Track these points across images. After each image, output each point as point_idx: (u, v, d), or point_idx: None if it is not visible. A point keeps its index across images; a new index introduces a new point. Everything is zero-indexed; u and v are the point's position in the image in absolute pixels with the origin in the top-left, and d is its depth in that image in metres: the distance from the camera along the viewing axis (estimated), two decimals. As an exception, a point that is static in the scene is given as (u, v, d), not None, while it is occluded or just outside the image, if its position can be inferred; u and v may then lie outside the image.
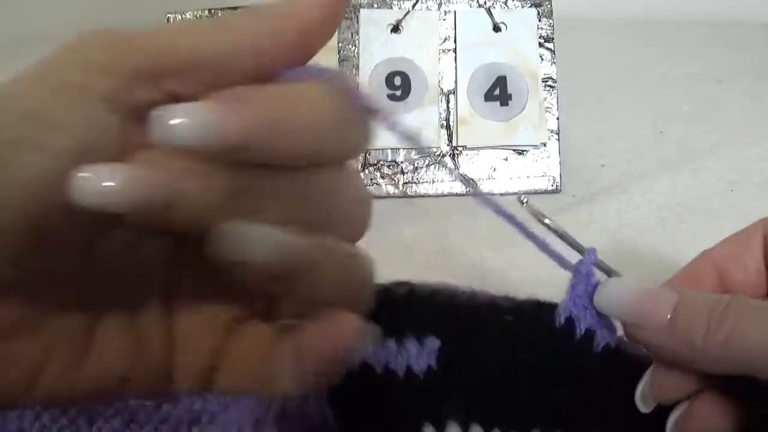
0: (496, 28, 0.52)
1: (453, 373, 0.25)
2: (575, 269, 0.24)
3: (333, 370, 0.19)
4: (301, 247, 0.18)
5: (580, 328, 0.24)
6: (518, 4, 0.53)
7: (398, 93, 0.51)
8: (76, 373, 0.19)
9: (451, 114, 0.52)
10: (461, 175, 0.31)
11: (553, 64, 0.52)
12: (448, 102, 0.52)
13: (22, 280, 0.18)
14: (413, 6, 0.53)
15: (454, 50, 0.52)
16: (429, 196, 0.51)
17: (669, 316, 0.22)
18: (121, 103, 0.18)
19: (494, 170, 0.51)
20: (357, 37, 0.52)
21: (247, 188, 0.18)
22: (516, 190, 0.51)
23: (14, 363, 0.18)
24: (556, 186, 0.51)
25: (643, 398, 0.24)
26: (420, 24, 0.52)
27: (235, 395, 0.26)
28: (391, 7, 0.53)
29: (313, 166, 0.19)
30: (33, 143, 0.16)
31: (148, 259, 0.20)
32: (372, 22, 0.52)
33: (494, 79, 0.51)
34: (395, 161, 0.52)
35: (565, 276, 0.25)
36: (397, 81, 0.51)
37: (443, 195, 0.51)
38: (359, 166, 0.51)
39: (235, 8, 0.54)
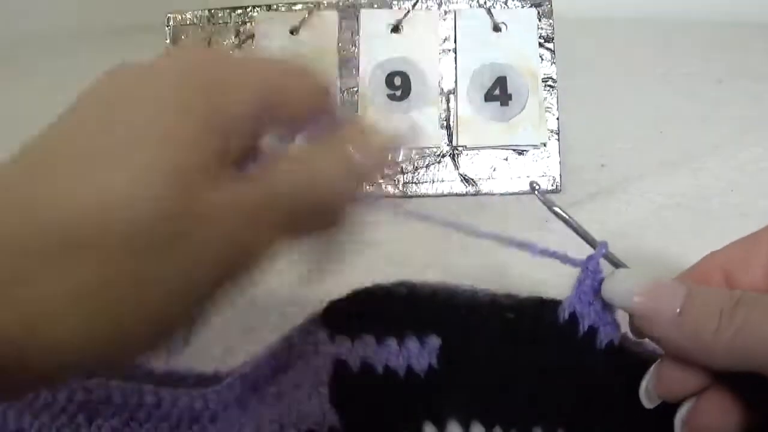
0: (496, 28, 0.52)
1: (454, 372, 0.24)
2: (584, 264, 0.24)
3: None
4: None
5: (584, 325, 0.24)
6: (518, 4, 0.53)
7: (398, 93, 0.51)
8: None
9: (451, 114, 0.52)
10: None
11: (553, 64, 0.52)
12: (448, 102, 0.52)
13: None
14: (413, 6, 0.53)
15: (454, 50, 0.52)
16: (429, 196, 0.51)
17: (678, 310, 0.21)
18: None
19: (494, 170, 0.51)
20: (357, 37, 0.52)
21: None
22: (516, 190, 0.51)
23: None
24: (556, 186, 0.51)
25: (647, 394, 0.23)
26: (420, 24, 0.52)
27: None
28: (391, 7, 0.53)
29: None
30: None
31: None
32: (372, 22, 0.52)
33: (494, 79, 0.51)
34: (395, 161, 0.52)
35: (565, 277, 0.25)
36: (397, 81, 0.51)
37: (443, 195, 0.51)
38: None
39: (234, 8, 0.54)
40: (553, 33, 0.52)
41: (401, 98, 0.51)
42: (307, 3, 0.53)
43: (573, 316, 0.24)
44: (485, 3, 0.53)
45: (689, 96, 0.58)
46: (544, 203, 0.25)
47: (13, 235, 0.17)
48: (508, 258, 0.43)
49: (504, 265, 0.43)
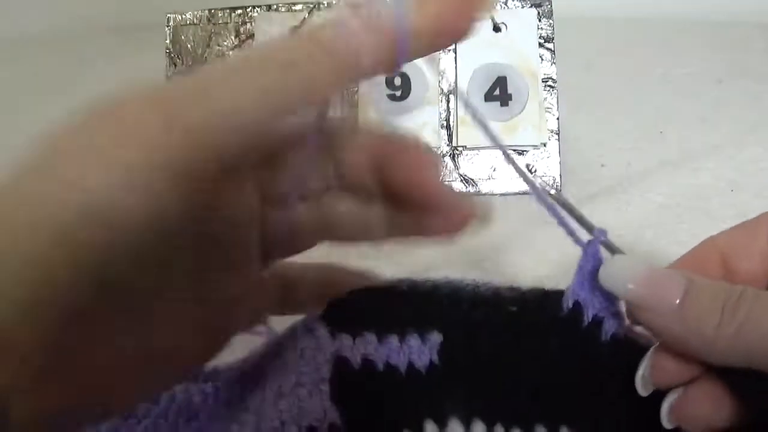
0: (496, 28, 0.52)
1: (455, 368, 0.24)
2: (583, 249, 0.23)
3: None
4: None
5: (588, 315, 0.23)
6: (518, 4, 0.53)
7: (398, 93, 0.51)
8: None
9: (451, 114, 0.52)
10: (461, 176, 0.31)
11: (553, 64, 0.52)
12: (448, 102, 0.52)
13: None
14: (413, 6, 0.53)
15: (454, 50, 0.52)
16: (429, 196, 0.51)
17: (678, 301, 0.21)
18: None
19: (494, 170, 0.51)
20: (357, 37, 0.52)
21: None
22: (516, 191, 0.51)
23: None
24: (556, 186, 0.51)
25: (643, 381, 0.23)
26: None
27: None
28: (391, 7, 0.53)
29: None
30: None
31: None
32: (372, 22, 0.52)
33: (494, 80, 0.51)
34: (395, 161, 0.52)
35: (566, 273, 0.25)
36: (397, 81, 0.51)
37: (443, 195, 0.51)
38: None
39: (234, 8, 0.54)
40: (553, 33, 0.52)
41: (401, 98, 0.51)
42: (307, 3, 0.53)
43: (577, 305, 0.23)
44: (485, 3, 0.53)
45: (689, 96, 0.58)
46: (542, 188, 0.24)
47: None
48: (508, 258, 0.43)
49: (504, 264, 0.43)
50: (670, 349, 0.22)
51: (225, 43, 0.53)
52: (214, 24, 0.54)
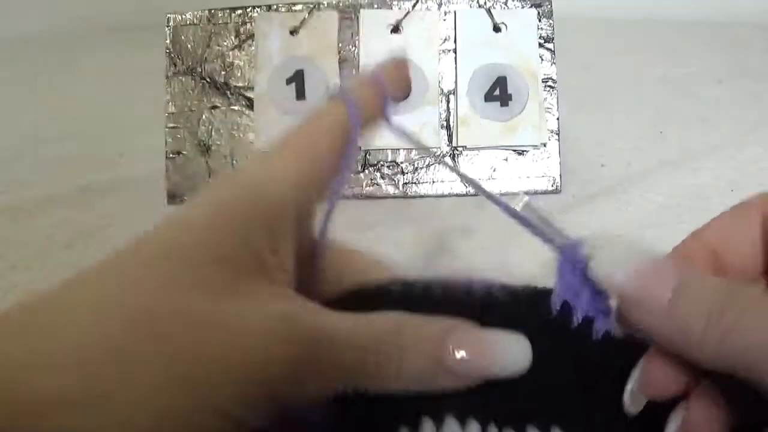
0: (496, 28, 0.52)
1: None
2: (560, 255, 0.23)
3: None
4: None
5: (577, 316, 0.23)
6: (518, 4, 0.53)
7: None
8: None
9: (451, 114, 0.52)
10: (462, 174, 0.31)
11: (553, 64, 0.52)
12: (448, 102, 0.52)
13: None
14: (413, 6, 0.53)
15: (454, 50, 0.52)
16: (429, 196, 0.51)
17: (668, 299, 0.20)
18: None
19: (494, 170, 0.51)
20: (357, 37, 0.52)
21: None
22: (516, 191, 0.51)
23: None
24: (556, 186, 0.51)
25: (633, 397, 0.22)
26: (420, 24, 0.52)
27: None
28: (391, 7, 0.53)
29: None
30: None
31: None
32: (372, 22, 0.52)
33: (494, 80, 0.51)
34: (395, 161, 0.52)
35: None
36: (397, 81, 0.51)
37: (443, 195, 0.51)
38: (359, 167, 0.52)
39: (234, 8, 0.54)
40: (553, 33, 0.52)
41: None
42: (307, 3, 0.53)
43: (565, 306, 0.23)
44: (485, 3, 0.53)
45: (689, 96, 0.58)
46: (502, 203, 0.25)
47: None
48: (507, 258, 0.43)
49: (503, 265, 0.43)
50: (662, 359, 0.22)
51: (225, 43, 0.53)
52: (214, 24, 0.54)
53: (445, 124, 0.52)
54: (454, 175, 0.51)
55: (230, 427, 0.18)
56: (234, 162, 0.52)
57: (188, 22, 0.54)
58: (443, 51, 0.52)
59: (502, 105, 0.51)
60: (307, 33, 0.52)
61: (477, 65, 0.52)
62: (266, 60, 0.52)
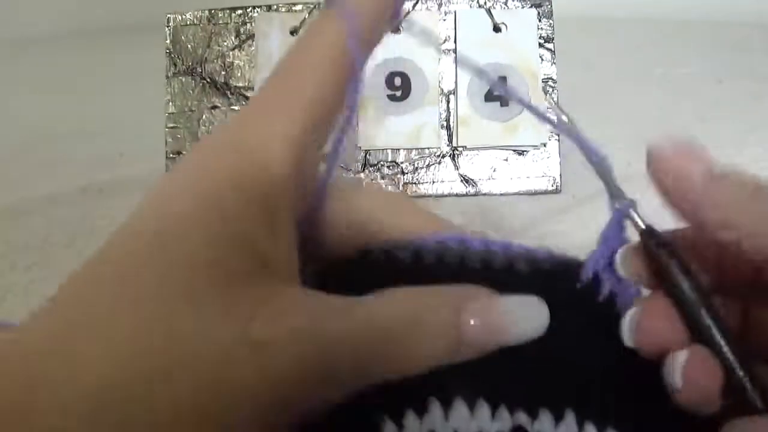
0: (496, 29, 0.52)
1: None
2: (611, 217, 0.22)
3: None
4: None
5: (604, 291, 0.21)
6: (518, 4, 0.53)
7: (398, 93, 0.51)
8: None
9: (451, 114, 0.52)
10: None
11: (553, 64, 0.52)
12: (448, 102, 0.52)
13: None
14: (413, 6, 0.53)
15: (454, 50, 0.52)
16: (429, 196, 0.51)
17: (710, 171, 0.19)
18: None
19: (494, 171, 0.51)
20: (357, 37, 0.52)
21: None
22: (516, 191, 0.51)
23: None
24: (556, 186, 0.51)
25: (630, 331, 0.21)
26: (420, 24, 0.52)
27: None
28: (391, 7, 0.53)
29: None
30: None
31: None
32: (372, 22, 0.52)
33: (494, 80, 0.51)
34: (395, 161, 0.52)
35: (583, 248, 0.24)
36: (397, 81, 0.51)
37: (443, 195, 0.51)
38: (360, 166, 0.52)
39: (234, 9, 0.54)
40: (553, 33, 0.52)
41: (401, 98, 0.51)
42: (307, 3, 0.53)
43: (595, 278, 0.22)
44: (485, 3, 0.53)
45: (689, 96, 0.58)
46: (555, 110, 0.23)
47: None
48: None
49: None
50: (655, 312, 0.21)
51: (225, 43, 0.53)
52: (214, 24, 0.54)
53: (445, 124, 0.52)
54: (455, 176, 0.51)
55: None
56: (234, 162, 0.52)
57: (188, 22, 0.54)
58: (443, 51, 0.52)
59: (502, 105, 0.51)
60: (307, 33, 0.52)
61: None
62: (266, 60, 0.52)
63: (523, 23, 0.52)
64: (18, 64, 0.67)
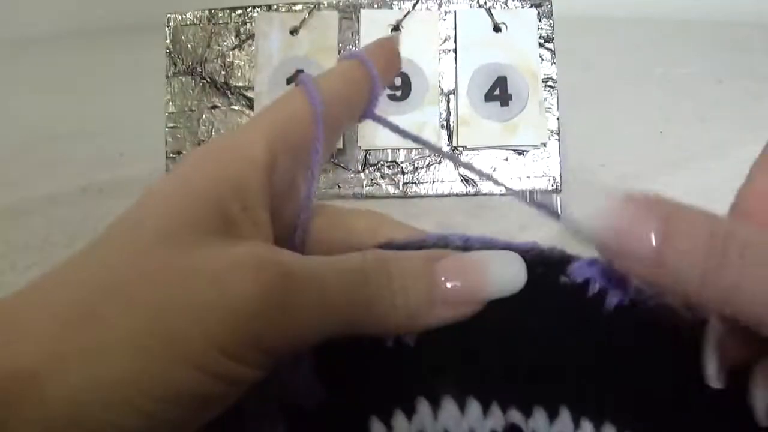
0: (496, 28, 0.52)
1: (448, 342, 0.21)
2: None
3: None
4: None
5: (593, 286, 0.21)
6: (518, 4, 0.53)
7: (398, 93, 0.51)
8: None
9: (451, 114, 0.52)
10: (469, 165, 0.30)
11: (553, 64, 0.52)
12: (448, 102, 0.52)
13: None
14: (413, 6, 0.53)
15: (454, 50, 0.52)
16: (429, 196, 0.51)
17: (655, 245, 0.17)
18: None
19: (494, 170, 0.51)
20: (357, 37, 0.52)
21: None
22: (517, 190, 0.51)
23: None
24: (556, 186, 0.51)
25: (713, 370, 0.19)
26: (420, 24, 0.52)
27: None
28: (391, 7, 0.53)
29: None
30: None
31: None
32: (372, 22, 0.52)
33: (494, 80, 0.51)
34: (395, 161, 0.52)
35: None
36: (397, 81, 0.51)
37: (443, 195, 0.51)
38: (359, 166, 0.52)
39: (234, 8, 0.54)
40: (553, 33, 0.52)
41: (401, 98, 0.51)
42: (307, 3, 0.53)
43: (585, 278, 0.21)
44: (485, 3, 0.53)
45: (689, 96, 0.58)
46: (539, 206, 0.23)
47: None
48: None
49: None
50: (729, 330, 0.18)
51: (225, 43, 0.53)
52: (214, 24, 0.54)
53: (445, 124, 0.52)
54: (455, 175, 0.51)
55: (220, 386, 0.17)
56: (234, 162, 0.52)
57: (188, 22, 0.54)
58: (443, 51, 0.52)
59: (502, 105, 0.51)
60: (308, 33, 0.52)
61: (477, 65, 0.52)
62: (266, 60, 0.52)
63: (523, 23, 0.52)
64: (18, 64, 0.67)
